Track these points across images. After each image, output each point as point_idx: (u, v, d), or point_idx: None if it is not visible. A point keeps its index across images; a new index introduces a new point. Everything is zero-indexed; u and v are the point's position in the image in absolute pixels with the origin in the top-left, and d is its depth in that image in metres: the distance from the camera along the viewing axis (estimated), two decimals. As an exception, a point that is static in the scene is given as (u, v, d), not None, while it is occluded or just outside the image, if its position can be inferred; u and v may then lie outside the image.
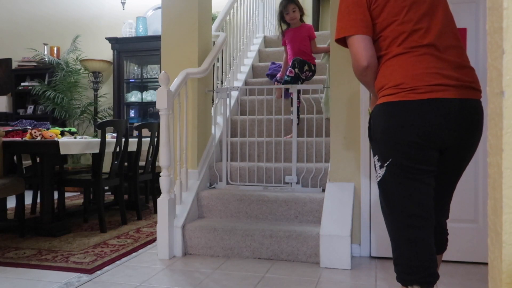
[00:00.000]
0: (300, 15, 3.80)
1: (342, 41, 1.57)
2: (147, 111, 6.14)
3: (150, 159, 4.25)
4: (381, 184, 1.53)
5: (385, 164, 1.49)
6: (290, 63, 3.73)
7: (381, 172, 1.52)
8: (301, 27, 3.82)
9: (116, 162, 3.73)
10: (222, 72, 4.09)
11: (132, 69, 6.14)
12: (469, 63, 1.51)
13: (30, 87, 6.27)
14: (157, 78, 4.71)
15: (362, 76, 1.55)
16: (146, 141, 4.25)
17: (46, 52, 6.43)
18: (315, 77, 4.35)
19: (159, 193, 4.07)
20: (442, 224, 1.69)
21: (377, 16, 1.51)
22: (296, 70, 3.65)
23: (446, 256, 2.69)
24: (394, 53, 1.48)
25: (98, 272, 2.50)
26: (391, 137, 1.45)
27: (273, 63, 4.52)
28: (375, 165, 1.56)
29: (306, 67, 3.70)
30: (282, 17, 3.82)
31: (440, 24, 1.50)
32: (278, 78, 4.05)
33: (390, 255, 2.75)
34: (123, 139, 3.78)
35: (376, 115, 1.51)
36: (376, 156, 1.54)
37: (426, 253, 1.47)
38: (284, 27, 3.88)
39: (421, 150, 1.44)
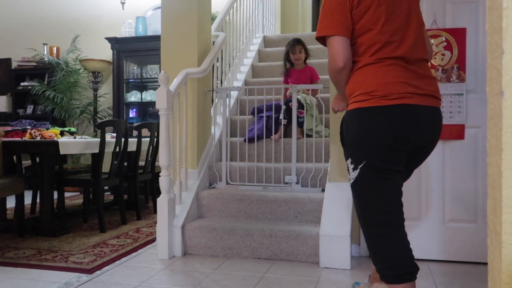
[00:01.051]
0: (305, 57, 3.81)
1: (322, 40, 1.66)
2: (147, 111, 6.14)
3: (149, 159, 4.25)
4: (355, 185, 1.61)
5: (359, 166, 1.58)
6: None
7: (354, 174, 1.60)
8: (305, 69, 3.82)
9: (115, 162, 3.73)
10: (222, 72, 4.09)
11: (131, 69, 6.14)
12: (431, 73, 1.64)
13: (29, 87, 6.26)
14: (157, 78, 4.70)
15: (337, 76, 1.63)
16: (145, 141, 4.25)
17: (45, 52, 6.43)
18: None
19: (158, 193, 4.06)
20: None
21: (356, 21, 1.59)
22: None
23: (446, 256, 2.69)
24: (366, 62, 1.58)
25: (98, 272, 2.50)
26: (365, 140, 1.55)
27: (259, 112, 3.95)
28: (348, 167, 1.65)
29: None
30: (287, 57, 3.82)
31: (412, 38, 1.61)
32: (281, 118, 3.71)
33: (390, 255, 2.75)
34: (123, 139, 3.78)
35: (349, 120, 1.61)
36: (349, 159, 1.63)
37: (403, 247, 1.55)
38: (288, 66, 3.87)
39: (393, 152, 1.54)
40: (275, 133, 3.54)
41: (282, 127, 3.55)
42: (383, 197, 1.57)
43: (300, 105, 3.49)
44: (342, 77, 1.64)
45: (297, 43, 3.78)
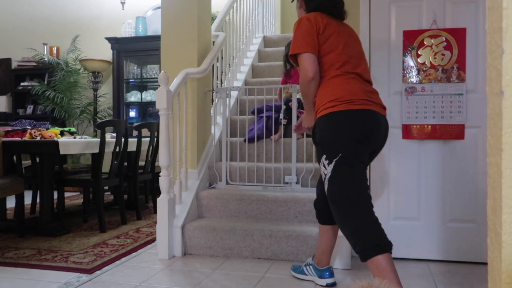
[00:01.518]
0: None
1: (293, 58, 2.05)
2: (147, 111, 6.14)
3: (149, 159, 4.25)
4: (332, 178, 1.88)
5: (334, 159, 1.87)
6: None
7: (330, 168, 1.89)
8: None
9: (115, 162, 3.73)
10: (222, 72, 4.09)
11: (131, 69, 6.14)
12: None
13: (29, 87, 6.27)
14: (157, 78, 4.71)
15: (307, 87, 1.98)
16: (145, 141, 4.25)
17: (45, 52, 6.43)
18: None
19: (158, 193, 4.07)
20: None
21: (322, 44, 1.99)
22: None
23: (446, 256, 2.69)
24: (333, 75, 1.96)
25: (98, 272, 2.50)
26: (338, 137, 1.86)
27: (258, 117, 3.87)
28: (323, 164, 1.92)
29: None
30: (287, 58, 3.76)
31: (362, 62, 2.07)
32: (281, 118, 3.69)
33: (390, 255, 2.76)
34: (123, 139, 3.78)
35: (322, 123, 1.92)
36: (324, 155, 1.91)
37: (378, 225, 1.82)
38: (288, 66, 3.86)
39: (361, 146, 1.87)
40: (275, 133, 3.54)
41: (282, 127, 3.56)
42: (357, 184, 1.85)
43: (300, 105, 3.50)
44: (311, 88, 1.98)
45: None
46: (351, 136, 1.84)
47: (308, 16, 2.02)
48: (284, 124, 3.54)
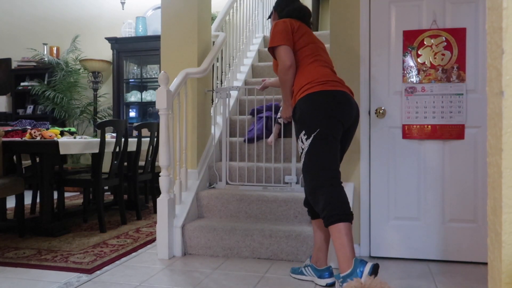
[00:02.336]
0: None
1: (271, 51, 2.33)
2: (147, 111, 6.14)
3: (149, 159, 4.25)
4: (310, 151, 2.11)
5: (313, 134, 2.10)
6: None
7: (307, 142, 2.11)
8: None
9: (115, 162, 3.73)
10: (222, 72, 4.09)
11: (131, 69, 6.14)
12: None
13: (29, 87, 6.27)
14: (157, 78, 4.71)
15: (286, 74, 2.24)
16: (145, 141, 4.25)
17: (45, 52, 6.43)
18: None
19: (158, 193, 4.07)
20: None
21: (296, 40, 2.31)
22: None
23: (446, 256, 2.69)
24: (307, 62, 2.27)
25: (98, 272, 2.50)
26: (316, 114, 2.10)
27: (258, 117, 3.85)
28: (301, 140, 2.14)
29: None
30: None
31: (328, 59, 2.39)
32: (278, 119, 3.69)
33: (390, 255, 2.76)
34: (123, 139, 3.77)
35: (302, 104, 2.15)
36: (303, 131, 2.14)
37: (345, 196, 2.06)
38: None
39: (335, 122, 2.11)
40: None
41: (276, 129, 3.48)
42: (330, 157, 2.09)
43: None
44: (289, 75, 2.25)
45: None
46: (327, 113, 2.09)
47: (283, 19, 2.37)
48: (280, 123, 3.50)
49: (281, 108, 2.44)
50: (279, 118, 3.50)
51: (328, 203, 2.02)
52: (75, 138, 3.59)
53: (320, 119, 2.09)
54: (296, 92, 2.23)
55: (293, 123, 2.38)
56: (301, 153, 2.16)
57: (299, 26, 2.35)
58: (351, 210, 2.05)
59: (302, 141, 2.15)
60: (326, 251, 2.33)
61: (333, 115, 2.10)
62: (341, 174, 2.11)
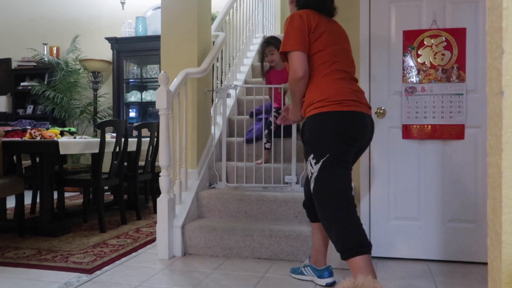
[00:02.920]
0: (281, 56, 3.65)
1: (284, 54, 2.07)
2: (147, 111, 6.14)
3: (149, 159, 4.25)
4: (319, 177, 1.93)
5: (321, 160, 1.92)
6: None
7: (317, 167, 1.93)
8: (283, 70, 3.51)
9: (115, 162, 3.73)
10: (222, 72, 4.09)
11: (131, 69, 6.14)
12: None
13: (29, 87, 6.26)
14: (157, 78, 4.71)
15: (296, 85, 2.01)
16: (145, 141, 4.25)
17: (45, 52, 6.42)
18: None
19: (158, 193, 4.06)
20: None
21: (312, 42, 2.01)
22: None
23: (446, 256, 2.69)
24: (322, 74, 1.99)
25: (98, 272, 2.50)
26: (326, 138, 1.90)
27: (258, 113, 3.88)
28: (310, 163, 1.97)
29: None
30: (263, 58, 3.59)
31: (348, 63, 2.10)
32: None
33: (389, 255, 2.76)
34: (123, 139, 3.78)
35: (312, 123, 1.95)
36: (311, 155, 1.95)
37: (360, 226, 1.88)
38: (267, 67, 3.65)
39: (346, 148, 1.93)
40: (274, 137, 3.43)
41: (265, 155, 3.41)
42: (340, 184, 1.91)
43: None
44: (300, 86, 2.01)
45: (267, 45, 3.51)
46: (339, 138, 1.90)
47: (300, 13, 2.04)
48: (267, 148, 3.42)
49: (289, 106, 2.23)
50: (266, 143, 3.41)
51: (341, 235, 1.85)
52: (75, 138, 3.59)
53: (330, 143, 1.90)
54: (307, 106, 2.00)
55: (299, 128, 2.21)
56: (310, 177, 1.98)
57: (317, 23, 2.03)
58: (368, 240, 1.86)
59: (311, 165, 1.96)
60: (325, 252, 2.30)
61: (344, 139, 1.91)
62: (353, 200, 1.94)
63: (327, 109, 1.91)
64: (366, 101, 2.02)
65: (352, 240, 1.83)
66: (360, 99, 1.98)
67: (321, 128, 1.91)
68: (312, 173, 1.95)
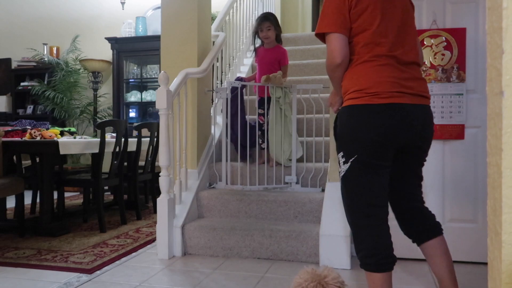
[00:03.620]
0: (276, 35, 3.39)
1: (321, 36, 1.76)
2: (147, 111, 6.14)
3: (149, 159, 4.25)
4: (345, 177, 1.71)
5: (350, 160, 1.68)
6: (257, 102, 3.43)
7: (345, 167, 1.71)
8: (275, 48, 3.42)
9: (115, 162, 3.73)
10: (222, 72, 4.09)
11: (131, 69, 6.14)
12: (422, 75, 1.77)
13: (29, 87, 6.26)
14: (157, 78, 4.71)
15: (334, 72, 1.74)
16: (145, 141, 4.25)
17: (45, 52, 6.42)
18: (315, 77, 4.35)
19: (158, 193, 4.05)
20: (422, 209, 1.89)
21: (354, 21, 1.69)
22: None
23: (445, 256, 2.69)
24: (362, 60, 1.69)
25: (98, 272, 2.49)
26: (357, 136, 1.66)
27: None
28: (339, 161, 1.74)
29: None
30: (257, 33, 3.45)
31: (405, 41, 1.72)
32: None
33: (390, 255, 2.75)
34: (123, 139, 3.78)
35: (342, 116, 1.72)
36: (341, 152, 1.72)
37: (384, 239, 1.66)
38: (258, 43, 3.52)
39: (381, 148, 1.65)
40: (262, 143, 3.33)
41: (261, 151, 3.34)
42: (369, 190, 1.67)
43: (274, 105, 3.25)
44: (338, 74, 1.74)
45: (265, 20, 3.35)
46: (371, 136, 1.63)
47: None
48: (263, 148, 3.35)
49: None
50: (261, 144, 3.34)
51: (361, 245, 1.68)
52: (75, 138, 3.59)
53: (361, 142, 1.64)
54: (344, 93, 1.75)
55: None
56: (339, 175, 1.77)
57: None
58: (391, 257, 1.66)
59: (339, 163, 1.74)
60: (452, 280, 1.83)
61: (377, 138, 1.63)
62: (386, 210, 1.70)
63: (361, 102, 1.65)
64: (419, 89, 1.69)
65: (374, 255, 1.64)
66: (407, 88, 1.66)
67: (352, 123, 1.67)
68: (340, 172, 1.75)
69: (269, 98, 3.30)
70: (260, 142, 3.39)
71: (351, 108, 1.68)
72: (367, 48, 1.68)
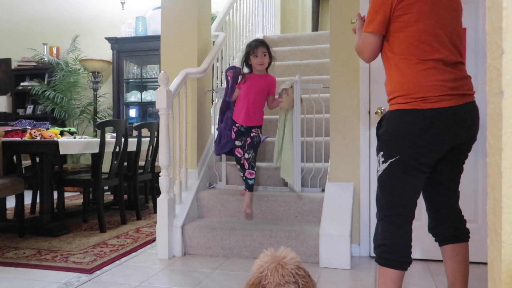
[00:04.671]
0: (268, 63, 3.07)
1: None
2: (147, 111, 6.13)
3: (149, 159, 4.25)
4: (381, 177, 1.74)
5: (390, 160, 1.70)
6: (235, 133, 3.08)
7: (383, 166, 1.73)
8: (266, 76, 3.09)
9: (115, 162, 3.73)
10: (222, 72, 4.09)
11: (131, 69, 6.14)
12: (467, 73, 1.75)
13: (29, 87, 6.26)
14: (157, 78, 4.71)
15: (359, 56, 1.85)
16: (145, 141, 4.25)
17: (45, 52, 6.42)
18: (315, 77, 4.35)
19: (158, 193, 4.06)
20: (457, 211, 1.88)
21: (399, 16, 1.67)
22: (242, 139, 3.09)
23: (445, 256, 2.69)
24: (407, 61, 1.68)
25: (98, 272, 2.50)
26: (401, 139, 1.67)
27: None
28: (378, 160, 1.76)
29: (253, 132, 3.05)
30: (247, 59, 3.05)
31: (451, 41, 1.70)
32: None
33: (390, 255, 2.75)
34: (123, 139, 3.78)
35: (390, 118, 1.72)
36: (382, 152, 1.74)
37: (407, 239, 1.71)
38: (246, 70, 3.15)
39: (425, 153, 1.66)
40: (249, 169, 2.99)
41: (247, 198, 2.96)
42: (403, 191, 1.71)
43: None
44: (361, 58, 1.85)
45: (261, 45, 3.02)
46: (417, 141, 1.65)
47: None
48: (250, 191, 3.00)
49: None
50: (243, 176, 3.05)
51: (384, 240, 1.72)
52: (75, 138, 3.59)
53: (405, 145, 1.66)
54: (388, 94, 1.77)
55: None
56: (376, 173, 1.81)
57: None
58: (409, 257, 1.71)
59: (378, 162, 1.76)
60: (464, 284, 1.84)
61: (423, 143, 1.64)
62: (413, 213, 1.75)
63: (408, 107, 1.65)
64: (465, 88, 1.69)
65: (393, 252, 1.69)
66: (454, 90, 1.65)
67: (398, 126, 1.68)
68: (378, 171, 1.77)
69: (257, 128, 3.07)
70: (242, 175, 3.13)
71: (398, 112, 1.69)
72: (412, 48, 1.67)
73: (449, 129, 1.65)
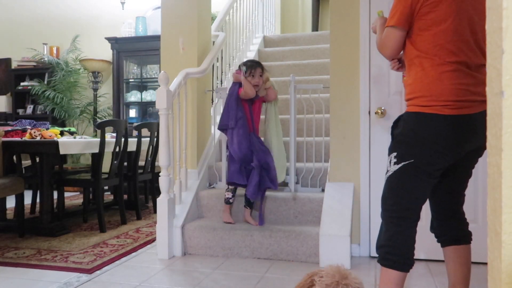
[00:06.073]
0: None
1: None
2: (147, 111, 6.14)
3: (149, 159, 4.25)
4: (391, 177, 1.71)
5: (403, 162, 1.67)
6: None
7: (394, 167, 1.70)
8: (262, 98, 3.10)
9: (115, 162, 3.73)
10: (222, 72, 4.09)
11: (131, 69, 6.13)
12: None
13: (29, 87, 6.26)
14: (157, 78, 4.71)
15: (380, 51, 1.77)
16: (145, 141, 4.25)
17: (45, 52, 6.42)
18: (315, 77, 4.35)
19: (158, 193, 4.06)
20: (461, 214, 1.90)
21: (424, 14, 1.62)
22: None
23: (445, 256, 2.69)
24: (431, 61, 1.63)
25: (98, 272, 2.50)
26: (420, 143, 1.64)
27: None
28: (390, 160, 1.73)
29: None
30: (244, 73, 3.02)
31: (476, 42, 1.65)
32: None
33: (390, 255, 2.75)
34: (123, 139, 3.78)
35: (409, 120, 1.69)
36: (395, 153, 1.70)
37: (411, 241, 1.71)
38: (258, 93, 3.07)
39: (441, 158, 1.64)
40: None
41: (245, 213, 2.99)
42: (412, 195, 1.70)
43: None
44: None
45: (258, 66, 3.01)
46: (433, 146, 1.63)
47: None
48: (231, 203, 3.02)
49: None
50: (248, 198, 2.96)
51: (387, 241, 1.71)
52: (75, 138, 3.59)
53: (420, 149, 1.64)
54: (407, 94, 1.72)
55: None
56: (385, 173, 1.77)
57: None
58: (412, 259, 1.71)
59: (390, 162, 1.73)
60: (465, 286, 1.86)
61: (440, 149, 1.63)
62: (419, 215, 1.75)
63: (429, 111, 1.62)
64: (482, 94, 1.62)
65: (396, 254, 1.69)
66: (476, 95, 1.62)
67: (415, 129, 1.65)
68: (387, 171, 1.74)
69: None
70: (228, 197, 3.04)
71: (419, 114, 1.65)
72: (437, 49, 1.63)
73: (466, 136, 1.63)
